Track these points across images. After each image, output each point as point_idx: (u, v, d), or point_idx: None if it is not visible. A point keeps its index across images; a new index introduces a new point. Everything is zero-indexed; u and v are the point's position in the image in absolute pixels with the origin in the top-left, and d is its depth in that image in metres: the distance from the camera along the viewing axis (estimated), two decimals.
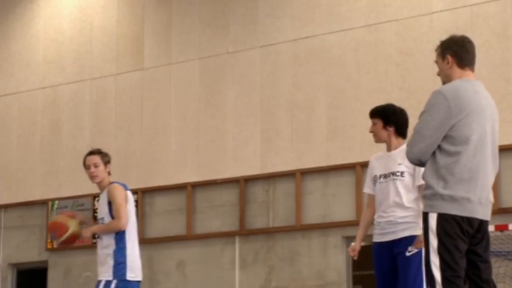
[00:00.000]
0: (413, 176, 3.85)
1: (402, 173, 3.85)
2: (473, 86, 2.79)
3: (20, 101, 10.80)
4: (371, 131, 4.09)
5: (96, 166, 5.06)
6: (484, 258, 2.79)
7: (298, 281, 8.50)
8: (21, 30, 11.05)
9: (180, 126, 9.66)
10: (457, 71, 2.82)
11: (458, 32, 3.32)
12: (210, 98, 9.44)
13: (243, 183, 8.89)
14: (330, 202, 8.41)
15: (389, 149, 4.01)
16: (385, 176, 3.92)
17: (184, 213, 9.34)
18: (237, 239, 8.94)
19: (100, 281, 4.86)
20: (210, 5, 9.58)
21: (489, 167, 2.80)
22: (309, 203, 8.60)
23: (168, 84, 9.82)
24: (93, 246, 8.89)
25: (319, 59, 8.62)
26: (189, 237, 9.26)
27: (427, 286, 2.76)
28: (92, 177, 5.09)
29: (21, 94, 10.80)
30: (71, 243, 5.49)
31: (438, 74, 2.95)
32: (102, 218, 5.05)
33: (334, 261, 8.29)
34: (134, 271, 4.80)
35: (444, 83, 2.88)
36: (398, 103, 7.14)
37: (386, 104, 4.42)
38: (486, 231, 2.83)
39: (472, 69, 2.88)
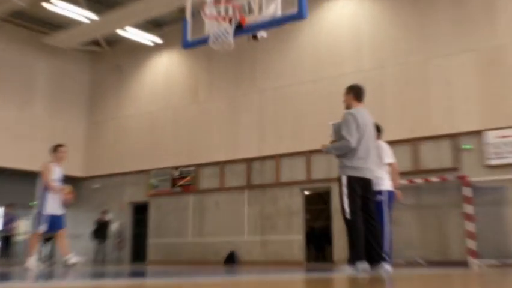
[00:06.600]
0: None
1: None
2: (364, 111, 4.23)
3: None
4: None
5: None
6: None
7: (277, 211, 12.24)
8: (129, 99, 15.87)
9: (218, 133, 13.68)
10: (354, 103, 4.20)
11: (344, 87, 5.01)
12: (232, 118, 13.62)
13: (249, 161, 12.87)
14: (293, 171, 12.13)
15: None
16: None
17: (218, 177, 13.48)
18: (246, 190, 12.86)
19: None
20: (232, 69, 13.75)
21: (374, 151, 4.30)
22: (283, 171, 12.31)
23: (210, 111, 14.05)
24: (172, 193, 14.08)
25: (286, 97, 12.64)
26: (221, 189, 13.37)
27: (342, 215, 4.06)
28: (64, 157, 6.84)
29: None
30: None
31: (344, 101, 4.34)
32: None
33: (296, 201, 12.02)
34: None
35: (346, 108, 4.27)
36: (329, 117, 10.66)
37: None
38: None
39: (363, 102, 4.26)
